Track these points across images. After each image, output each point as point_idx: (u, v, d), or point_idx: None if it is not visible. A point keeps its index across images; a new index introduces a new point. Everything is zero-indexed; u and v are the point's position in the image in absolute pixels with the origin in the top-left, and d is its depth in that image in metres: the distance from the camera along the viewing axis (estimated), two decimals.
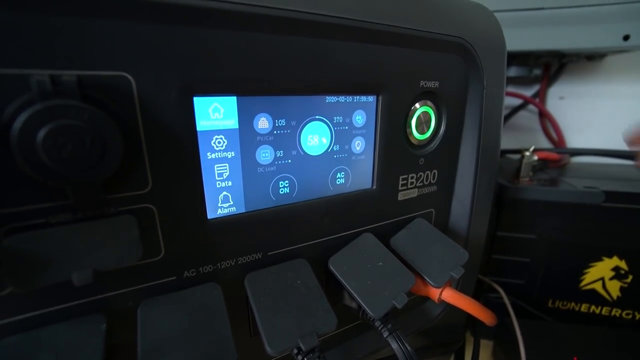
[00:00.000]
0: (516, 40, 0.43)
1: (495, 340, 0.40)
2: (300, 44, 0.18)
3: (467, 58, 0.25)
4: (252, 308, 0.19)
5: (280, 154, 0.20)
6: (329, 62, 0.20)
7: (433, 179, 0.27)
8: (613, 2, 0.40)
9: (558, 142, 0.59)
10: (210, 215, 0.19)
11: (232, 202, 0.19)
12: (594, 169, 0.48)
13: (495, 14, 0.27)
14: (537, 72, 0.55)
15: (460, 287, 0.31)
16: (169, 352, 0.15)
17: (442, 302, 0.24)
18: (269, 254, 0.21)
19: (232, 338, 0.17)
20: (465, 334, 0.38)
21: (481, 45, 0.25)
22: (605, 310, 0.41)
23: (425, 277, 0.23)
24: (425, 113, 0.25)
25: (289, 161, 0.21)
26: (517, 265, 0.41)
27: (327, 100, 0.21)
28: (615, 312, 0.41)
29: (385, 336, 0.21)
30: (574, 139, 0.60)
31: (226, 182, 0.19)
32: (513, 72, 0.54)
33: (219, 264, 0.19)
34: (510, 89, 0.60)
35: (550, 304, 0.42)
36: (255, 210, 0.20)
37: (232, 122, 0.18)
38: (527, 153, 0.43)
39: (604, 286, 0.40)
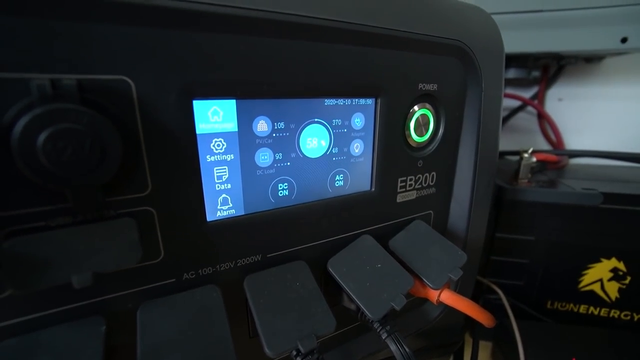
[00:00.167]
0: (515, 42, 0.43)
1: (494, 341, 0.40)
2: (299, 48, 0.19)
3: (465, 61, 0.25)
4: (251, 310, 0.19)
5: (279, 156, 0.20)
6: (327, 65, 0.20)
7: (432, 181, 0.27)
8: (611, 5, 0.40)
9: (556, 144, 0.59)
10: (209, 217, 0.19)
11: (231, 205, 0.19)
12: (592, 171, 0.49)
13: (494, 16, 0.27)
14: (536, 74, 0.56)
15: (459, 288, 0.31)
16: (168, 354, 0.15)
17: (441, 304, 0.24)
18: (268, 256, 0.21)
19: (232, 340, 0.17)
20: (464, 335, 0.38)
21: (479, 48, 0.25)
22: (603, 312, 0.41)
23: (424, 279, 0.23)
24: (423, 115, 0.25)
25: (288, 164, 0.21)
26: (515, 267, 0.41)
27: (325, 103, 0.21)
28: (614, 313, 0.41)
29: (384, 338, 0.21)
30: (573, 141, 0.60)
31: (225, 185, 0.19)
32: (512, 73, 0.54)
33: (218, 266, 0.19)
34: (509, 90, 0.60)
35: (549, 305, 0.42)
36: (255, 213, 0.20)
37: (232, 125, 0.18)
38: (526, 155, 0.43)
39: (602, 287, 0.40)
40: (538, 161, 0.45)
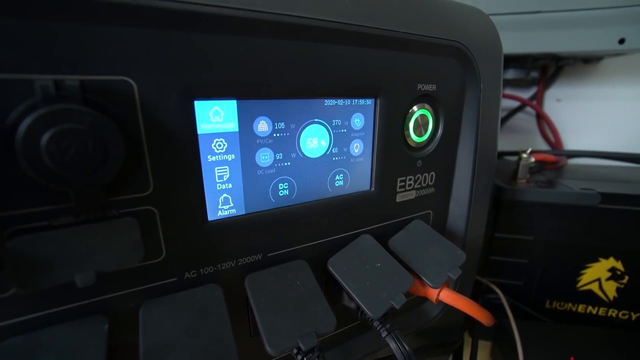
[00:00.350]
0: (514, 43, 0.44)
1: (493, 340, 0.41)
2: (299, 49, 0.19)
3: (464, 61, 0.25)
4: (252, 308, 0.19)
5: (279, 156, 0.20)
6: (327, 66, 0.20)
7: (431, 181, 0.28)
8: (609, 6, 0.40)
9: (555, 144, 0.60)
10: (210, 217, 0.19)
11: (232, 204, 0.20)
12: (590, 171, 0.49)
13: (493, 17, 0.27)
14: (535, 74, 0.56)
15: (458, 288, 0.31)
16: (170, 353, 0.16)
17: (440, 303, 0.24)
18: (269, 255, 0.21)
19: (233, 338, 0.17)
20: (464, 335, 0.38)
21: (477, 49, 0.25)
22: (602, 311, 0.41)
23: (423, 278, 0.23)
24: (422, 116, 0.25)
25: (289, 164, 0.21)
26: (514, 266, 0.41)
27: (325, 104, 0.21)
28: (612, 312, 0.41)
29: (383, 336, 0.21)
30: (571, 141, 0.60)
31: (226, 185, 0.19)
32: (510, 74, 0.54)
33: (219, 266, 0.20)
34: (508, 91, 0.61)
35: (547, 305, 0.42)
36: (255, 212, 0.20)
37: (232, 126, 0.18)
38: (525, 155, 0.43)
39: (600, 287, 0.40)
40: (537, 161, 0.45)
